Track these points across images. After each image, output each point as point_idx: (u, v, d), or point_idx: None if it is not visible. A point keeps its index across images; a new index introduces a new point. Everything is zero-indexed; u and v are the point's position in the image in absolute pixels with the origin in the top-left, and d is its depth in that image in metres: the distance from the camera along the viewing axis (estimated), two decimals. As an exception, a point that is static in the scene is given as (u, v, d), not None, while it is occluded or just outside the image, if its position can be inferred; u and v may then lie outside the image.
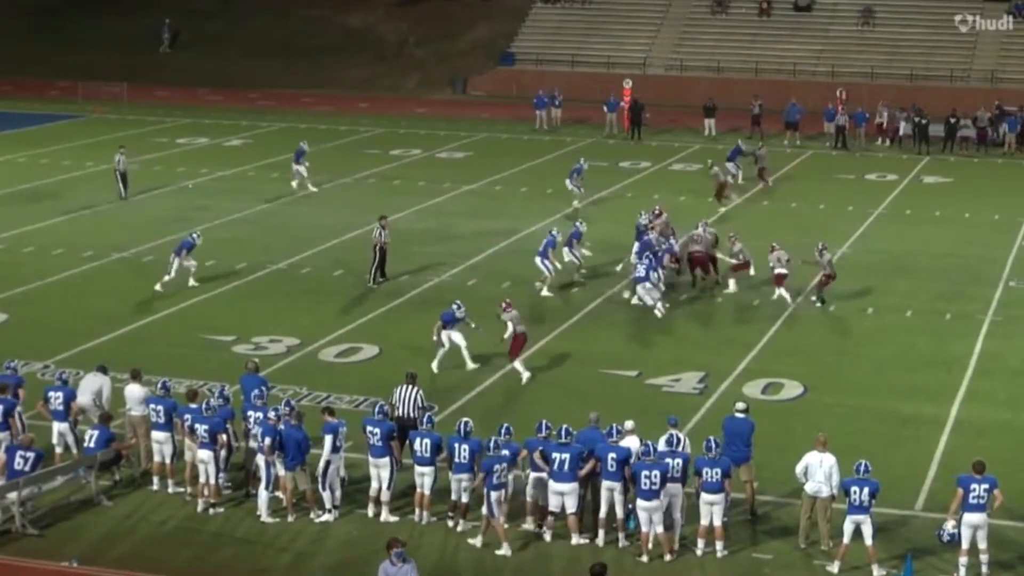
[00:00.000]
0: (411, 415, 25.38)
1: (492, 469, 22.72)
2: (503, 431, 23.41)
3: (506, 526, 22.79)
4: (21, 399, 25.80)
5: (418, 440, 23.64)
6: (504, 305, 31.95)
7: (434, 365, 31.07)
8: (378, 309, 36.03)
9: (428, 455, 23.58)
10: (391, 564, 19.29)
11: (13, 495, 23.13)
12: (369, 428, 23.83)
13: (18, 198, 49.30)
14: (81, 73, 77.32)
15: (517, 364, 31.05)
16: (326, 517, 23.71)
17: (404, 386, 25.86)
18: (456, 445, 23.38)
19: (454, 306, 31.39)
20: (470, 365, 31.32)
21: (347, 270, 39.73)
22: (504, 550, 22.59)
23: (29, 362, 30.34)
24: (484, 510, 22.79)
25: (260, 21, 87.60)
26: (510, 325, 31.54)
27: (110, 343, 32.91)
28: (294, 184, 50.08)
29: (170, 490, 24.68)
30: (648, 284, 35.51)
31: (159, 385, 25.32)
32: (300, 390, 29.38)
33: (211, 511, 23.91)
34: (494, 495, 22.67)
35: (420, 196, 48.80)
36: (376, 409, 24.24)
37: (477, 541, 22.85)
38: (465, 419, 23.77)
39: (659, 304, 35.27)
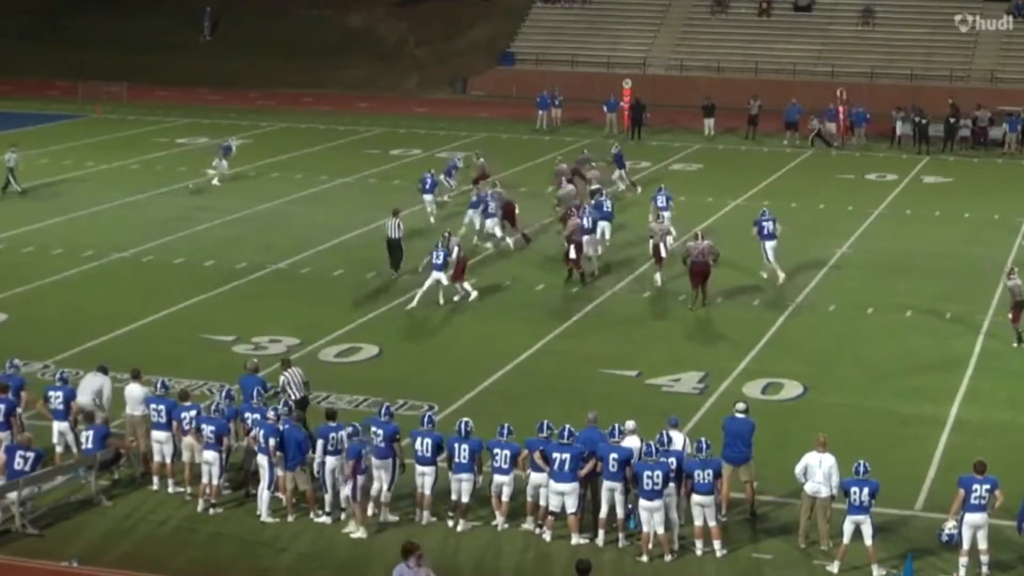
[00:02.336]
0: (300, 394, 26.21)
1: (360, 455, 23.06)
2: (503, 431, 23.44)
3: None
4: (22, 401, 25.79)
5: (419, 440, 23.64)
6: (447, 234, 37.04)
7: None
8: (378, 309, 36.04)
9: (428, 455, 23.59)
10: (407, 568, 19.13)
11: (13, 495, 23.14)
12: (373, 428, 23.81)
13: (18, 198, 49.26)
14: (81, 73, 77.34)
15: (466, 284, 36.47)
16: (325, 518, 23.72)
17: (285, 372, 26.52)
18: (456, 445, 23.40)
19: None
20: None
21: (347, 270, 39.74)
22: (360, 533, 23.10)
23: (29, 362, 30.28)
24: (345, 493, 23.19)
25: (260, 21, 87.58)
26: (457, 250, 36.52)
27: (110, 343, 32.90)
28: (213, 176, 51.28)
29: (170, 490, 24.68)
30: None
31: (158, 385, 25.33)
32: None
33: (211, 511, 23.91)
34: (360, 479, 23.03)
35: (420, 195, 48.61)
36: (382, 410, 24.19)
37: (361, 533, 23.16)
38: (465, 419, 23.76)
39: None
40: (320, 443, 23.76)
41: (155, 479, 24.94)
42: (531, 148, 59.69)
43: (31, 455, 23.55)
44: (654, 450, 22.43)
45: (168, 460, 24.80)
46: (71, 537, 23.05)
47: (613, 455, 22.78)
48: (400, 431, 23.99)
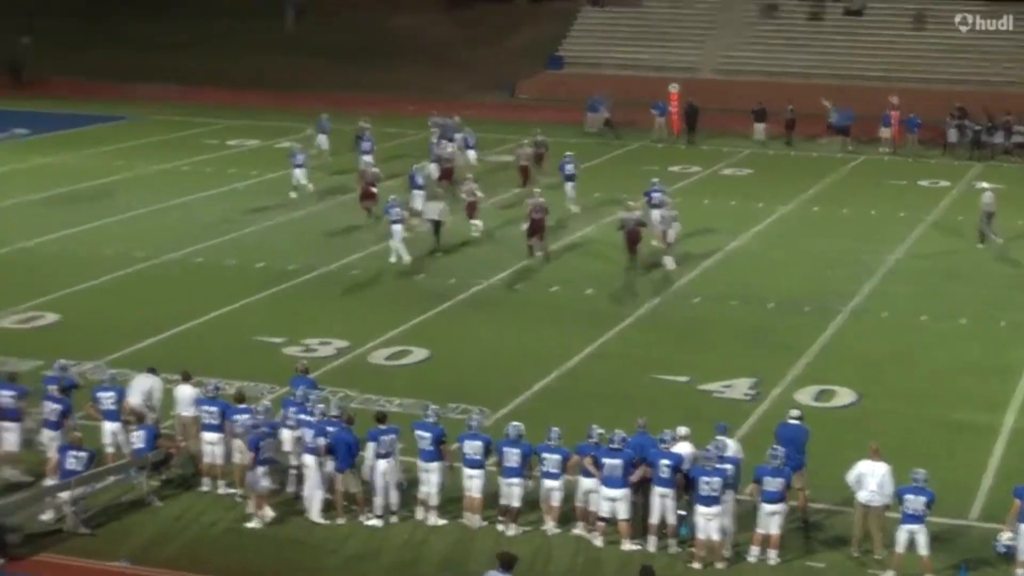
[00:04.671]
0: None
1: (258, 446, 23.35)
2: (553, 436, 23.37)
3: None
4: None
5: (468, 443, 23.60)
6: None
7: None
8: (427, 312, 35.99)
9: (478, 458, 23.54)
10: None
11: (65, 494, 23.22)
12: (418, 432, 23.79)
13: (70, 198, 49.53)
14: (134, 74, 77.75)
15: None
16: (375, 521, 23.69)
17: None
18: (506, 449, 23.35)
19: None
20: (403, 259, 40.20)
21: (396, 273, 39.73)
22: (255, 523, 23.51)
23: (80, 362, 30.42)
24: (248, 484, 23.59)
25: (309, 24, 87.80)
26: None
27: (161, 344, 32.98)
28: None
29: (220, 491, 24.71)
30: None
31: (210, 387, 25.36)
32: (350, 393, 29.36)
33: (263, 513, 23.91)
34: (260, 470, 23.31)
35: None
36: (428, 413, 24.20)
37: (255, 523, 23.52)
38: (515, 423, 23.72)
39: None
40: (371, 446, 23.73)
41: (205, 480, 24.97)
42: (579, 152, 59.33)
43: (83, 455, 23.64)
44: (714, 456, 22.29)
45: (219, 462, 24.82)
46: (122, 537, 23.14)
47: (664, 461, 22.66)
48: (446, 433, 23.96)
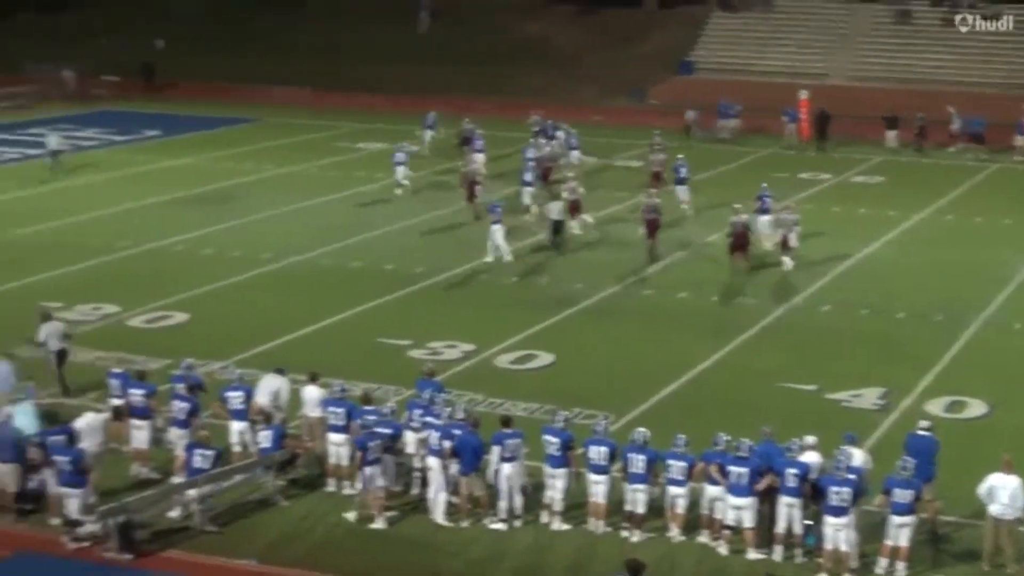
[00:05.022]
0: (61, 346, 29.57)
1: (367, 447, 23.43)
2: (679, 442, 23.20)
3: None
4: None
5: (593, 448, 23.48)
6: None
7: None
8: (553, 317, 35.90)
9: (603, 463, 23.41)
10: None
11: (193, 492, 23.44)
12: (546, 437, 23.72)
13: (198, 200, 50.13)
14: (264, 77, 78.65)
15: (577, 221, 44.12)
16: (498, 524, 23.65)
17: (44, 324, 29.74)
18: (631, 455, 23.20)
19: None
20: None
21: (521, 277, 39.70)
22: (379, 523, 23.51)
23: (207, 362, 30.72)
24: (359, 485, 23.79)
25: (441, 28, 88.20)
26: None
27: (287, 345, 33.22)
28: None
29: (346, 492, 24.79)
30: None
31: (336, 388, 25.48)
32: (476, 396, 29.35)
33: (385, 514, 23.96)
34: (368, 471, 23.41)
35: (597, 204, 48.39)
36: (557, 418, 24.15)
37: (351, 515, 23.78)
38: (641, 429, 23.57)
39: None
40: (496, 450, 23.71)
41: (331, 481, 25.08)
42: (708, 157, 59.03)
43: (210, 453, 23.85)
44: (844, 466, 21.98)
45: (344, 462, 24.90)
46: (248, 535, 23.34)
47: (791, 470, 22.42)
48: (574, 439, 23.87)
